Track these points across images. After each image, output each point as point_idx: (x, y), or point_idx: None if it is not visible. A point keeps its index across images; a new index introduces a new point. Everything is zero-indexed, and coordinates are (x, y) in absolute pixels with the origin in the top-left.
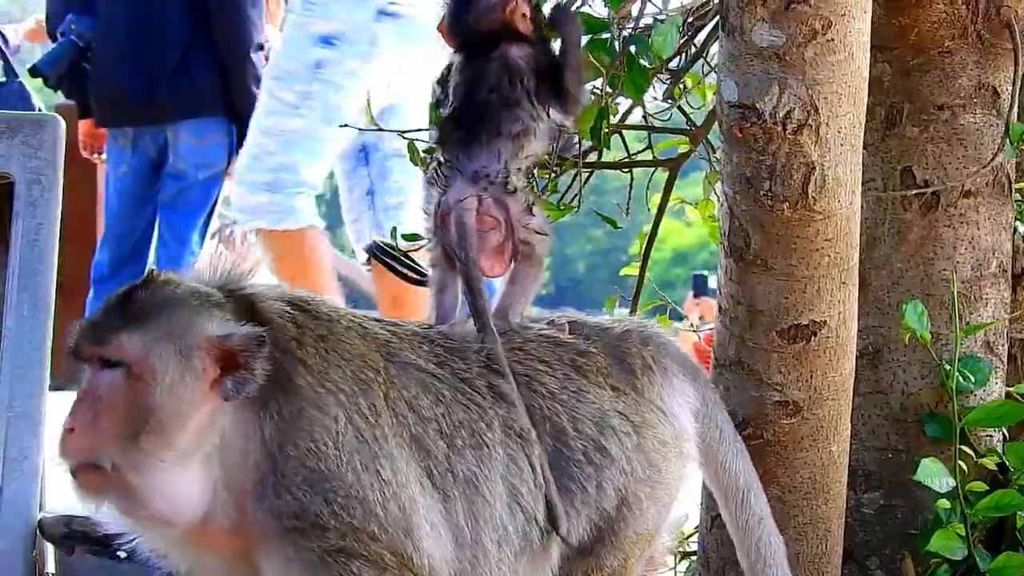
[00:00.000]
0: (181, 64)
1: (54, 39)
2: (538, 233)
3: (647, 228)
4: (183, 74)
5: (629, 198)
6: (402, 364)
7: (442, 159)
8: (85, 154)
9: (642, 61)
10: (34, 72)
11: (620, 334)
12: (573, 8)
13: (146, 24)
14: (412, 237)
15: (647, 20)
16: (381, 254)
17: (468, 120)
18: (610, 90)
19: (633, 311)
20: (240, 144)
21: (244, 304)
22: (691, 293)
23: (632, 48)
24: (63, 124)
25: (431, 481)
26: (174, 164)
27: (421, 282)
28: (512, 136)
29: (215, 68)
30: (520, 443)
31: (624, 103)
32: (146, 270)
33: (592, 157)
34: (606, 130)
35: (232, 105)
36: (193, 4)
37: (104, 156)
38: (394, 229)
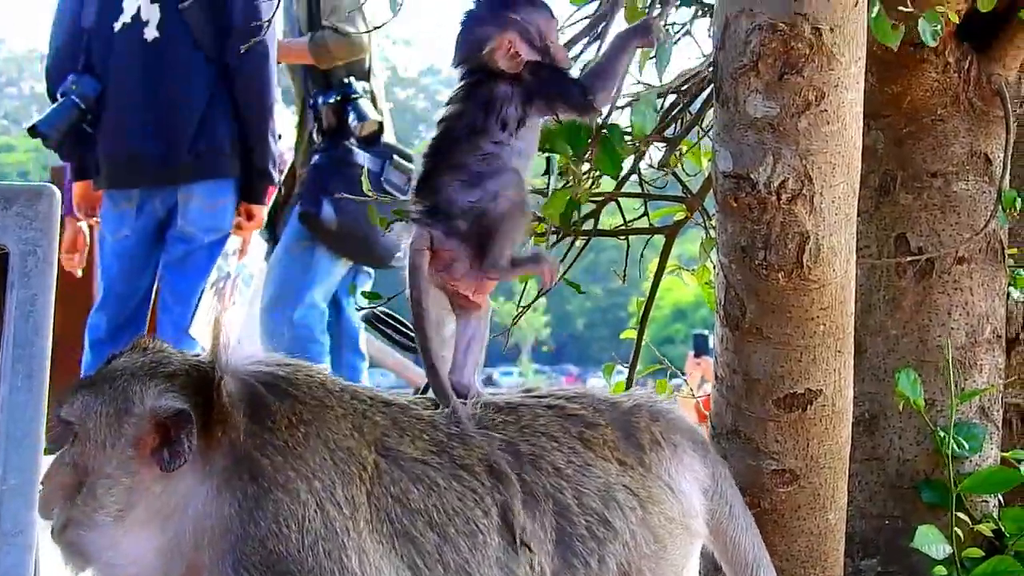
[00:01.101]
0: (201, 125)
1: (53, 99)
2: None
3: (646, 286)
4: (203, 135)
5: (626, 265)
6: (394, 457)
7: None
8: (79, 216)
9: (616, 147)
10: (33, 132)
11: (630, 408)
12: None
13: (165, 85)
14: (372, 296)
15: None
16: (376, 321)
17: (428, 158)
18: (585, 170)
19: (631, 377)
20: (246, 200)
21: (206, 379)
22: (692, 353)
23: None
24: (58, 194)
25: (414, 573)
26: (182, 227)
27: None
28: (464, 167)
29: (233, 129)
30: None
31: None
32: (145, 333)
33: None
34: (575, 219)
35: (247, 164)
36: (212, 65)
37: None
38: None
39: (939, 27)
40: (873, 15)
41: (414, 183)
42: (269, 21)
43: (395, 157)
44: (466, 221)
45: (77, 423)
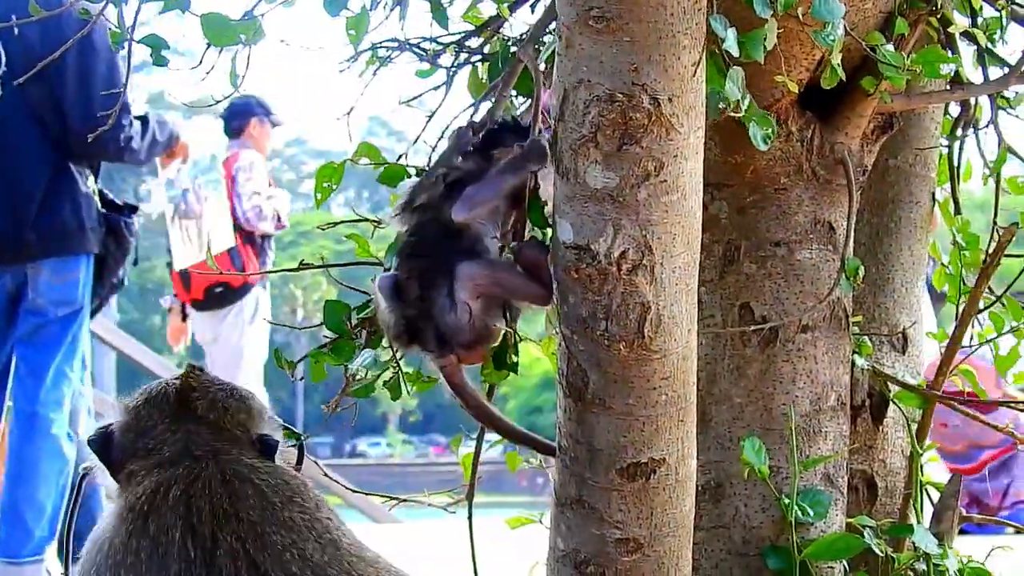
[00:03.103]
0: (44, 202)
1: None
2: None
3: None
4: (48, 213)
5: None
6: None
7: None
8: None
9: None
10: None
11: None
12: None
13: (7, 161)
14: None
15: None
16: None
17: (407, 259)
18: None
19: (478, 449)
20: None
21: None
22: None
23: None
24: None
25: None
26: (33, 300)
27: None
28: (441, 278)
29: (79, 205)
30: None
31: None
32: (4, 407)
33: None
34: None
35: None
36: (56, 143)
37: None
38: None
39: (770, 131)
40: (743, 112)
41: (398, 288)
42: (116, 112)
43: None
44: (474, 334)
45: None
